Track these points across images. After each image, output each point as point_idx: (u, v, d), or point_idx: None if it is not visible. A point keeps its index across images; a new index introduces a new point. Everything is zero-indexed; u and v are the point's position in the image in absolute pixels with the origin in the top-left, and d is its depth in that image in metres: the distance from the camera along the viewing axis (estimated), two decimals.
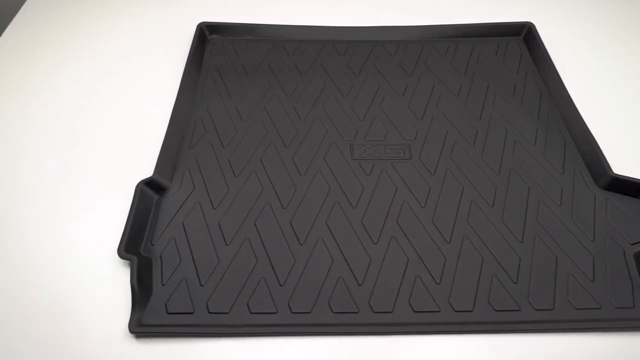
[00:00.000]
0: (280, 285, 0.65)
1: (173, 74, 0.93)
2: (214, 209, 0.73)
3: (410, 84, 0.91)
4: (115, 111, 0.88)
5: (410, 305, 0.64)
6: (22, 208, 0.74)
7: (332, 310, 0.63)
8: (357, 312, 0.63)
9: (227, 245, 0.69)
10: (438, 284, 0.66)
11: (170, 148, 0.79)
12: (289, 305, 0.64)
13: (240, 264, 0.67)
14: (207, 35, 1.01)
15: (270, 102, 0.88)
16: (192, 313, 0.63)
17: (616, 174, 0.75)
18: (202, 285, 0.65)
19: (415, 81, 0.92)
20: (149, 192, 0.74)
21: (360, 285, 0.65)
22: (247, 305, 0.64)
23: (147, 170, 0.77)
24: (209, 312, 0.63)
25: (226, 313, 0.63)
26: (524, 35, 1.02)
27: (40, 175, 0.78)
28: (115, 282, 0.66)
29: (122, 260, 0.68)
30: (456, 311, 0.63)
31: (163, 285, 0.65)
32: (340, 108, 0.87)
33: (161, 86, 0.91)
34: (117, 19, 1.07)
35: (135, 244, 0.68)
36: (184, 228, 0.71)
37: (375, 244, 0.69)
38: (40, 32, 1.04)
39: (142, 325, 0.62)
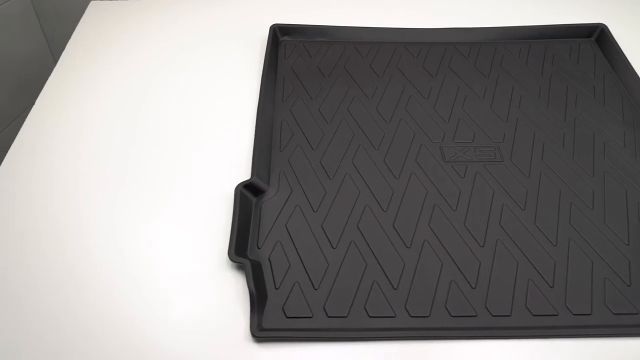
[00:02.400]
0: (394, 289, 0.66)
1: (251, 76, 0.94)
2: (315, 211, 0.74)
3: (489, 86, 0.93)
4: (199, 115, 0.88)
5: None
6: (120, 215, 0.74)
7: (450, 314, 0.64)
8: (475, 316, 0.64)
9: (333, 248, 0.70)
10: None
11: (263, 150, 0.80)
12: (406, 309, 0.64)
13: (350, 267, 0.68)
14: (280, 37, 1.02)
15: (353, 104, 0.89)
16: (310, 317, 0.64)
17: None
18: (315, 289, 0.66)
19: (494, 83, 0.93)
20: (248, 195, 0.75)
21: (473, 288, 0.66)
22: (365, 309, 0.64)
23: (236, 174, 0.78)
24: (328, 316, 0.64)
25: (345, 317, 0.64)
26: (596, 37, 1.03)
27: (135, 182, 0.79)
28: (225, 287, 0.67)
29: (229, 265, 0.68)
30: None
31: (277, 289, 0.66)
32: (423, 110, 0.88)
33: (241, 89, 0.92)
34: (186, 20, 1.08)
35: (242, 248, 0.69)
36: (288, 231, 0.72)
37: (482, 247, 0.70)
38: (108, 33, 1.05)
39: (264, 330, 0.62)
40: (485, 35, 1.03)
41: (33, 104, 0.90)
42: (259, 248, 0.70)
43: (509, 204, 0.75)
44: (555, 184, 0.78)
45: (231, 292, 0.66)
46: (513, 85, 0.93)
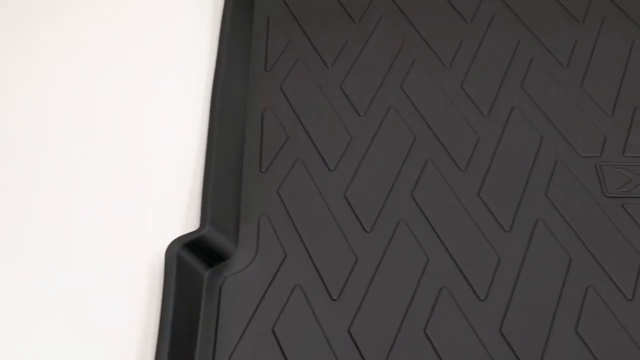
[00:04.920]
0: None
1: (202, 23, 0.62)
2: (334, 299, 0.42)
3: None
4: (99, 108, 0.56)
5: None
6: None
7: None
8: None
9: None
10: None
11: (225, 173, 0.50)
12: None
13: None
14: None
15: (412, 77, 0.55)
16: None
17: None
18: None
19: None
20: (194, 265, 0.44)
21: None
22: None
23: (171, 221, 0.49)
24: None
25: None
26: None
27: None
28: None
29: None
30: None
31: None
32: (560, 89, 0.55)
33: (182, 50, 0.60)
34: None
35: None
36: (278, 342, 0.41)
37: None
38: None
39: None
40: None
41: None
42: None
43: None
44: None
45: None
46: None
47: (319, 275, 0.44)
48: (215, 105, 0.53)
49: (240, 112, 0.55)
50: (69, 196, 0.50)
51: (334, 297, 0.43)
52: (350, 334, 0.41)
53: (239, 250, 0.46)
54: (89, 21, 0.64)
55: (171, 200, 0.50)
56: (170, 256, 0.42)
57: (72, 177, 0.51)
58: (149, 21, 0.64)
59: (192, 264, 0.44)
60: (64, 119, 0.56)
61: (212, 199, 0.46)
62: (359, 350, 0.40)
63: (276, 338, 0.41)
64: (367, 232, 0.46)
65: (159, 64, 0.60)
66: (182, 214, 0.48)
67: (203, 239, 0.44)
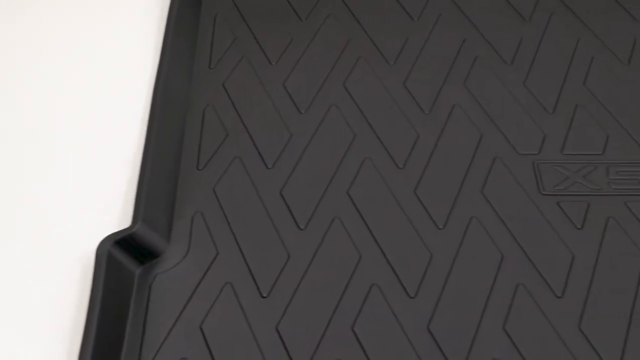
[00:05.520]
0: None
1: (147, 19, 0.62)
2: (264, 296, 0.42)
3: None
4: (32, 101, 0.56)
5: None
6: None
7: None
8: None
9: None
10: None
11: (160, 171, 0.49)
12: None
13: None
14: None
15: (356, 74, 0.55)
16: None
17: None
18: None
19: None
20: (125, 262, 0.44)
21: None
22: None
23: (104, 219, 0.48)
24: None
25: None
26: None
27: None
28: None
29: None
30: None
31: None
32: (502, 88, 0.54)
33: (126, 45, 0.60)
34: None
35: None
36: (205, 339, 0.41)
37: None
38: None
39: None
40: None
41: None
42: None
43: None
44: None
45: None
46: None
47: (250, 272, 0.43)
48: (156, 102, 0.52)
49: (181, 109, 0.54)
50: (3, 192, 0.49)
51: (264, 295, 0.42)
52: (278, 331, 0.40)
53: (171, 247, 0.45)
54: (31, 16, 0.63)
55: (109, 197, 0.49)
56: (100, 254, 0.42)
57: (7, 174, 0.50)
58: (96, 16, 0.64)
59: (123, 262, 0.43)
60: (1, 114, 0.55)
61: (146, 196, 0.46)
62: (286, 348, 0.39)
63: (204, 335, 0.41)
64: (301, 229, 0.45)
65: (103, 60, 0.60)
66: (119, 211, 0.48)
67: (134, 236, 0.44)
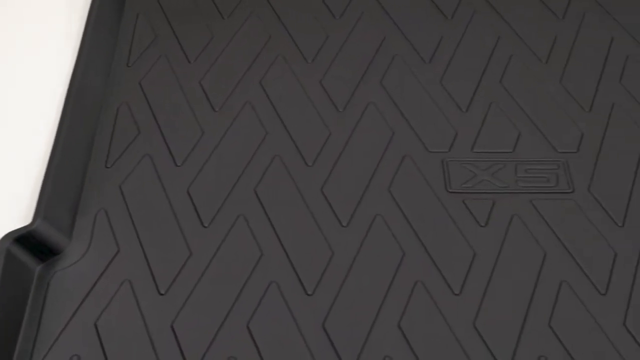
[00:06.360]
0: None
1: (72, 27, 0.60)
2: (162, 294, 0.42)
3: (561, 37, 0.58)
4: None
5: None
6: None
7: None
8: None
9: None
10: None
11: (66, 167, 0.49)
12: None
13: None
14: None
15: (272, 73, 0.55)
16: None
17: None
18: None
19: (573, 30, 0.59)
20: (24, 259, 0.43)
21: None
22: None
23: (20, 217, 0.47)
24: None
25: None
26: None
27: None
28: None
29: None
30: None
31: None
32: (417, 85, 0.54)
33: (48, 50, 0.58)
34: None
35: None
36: (99, 337, 0.40)
37: None
38: None
39: None
40: None
41: None
42: None
43: (581, 294, 0.41)
44: None
45: None
46: (612, 35, 0.58)
47: (150, 269, 0.43)
48: (69, 99, 0.52)
49: (96, 107, 0.54)
50: None
51: (162, 292, 0.42)
52: (173, 328, 0.40)
53: (72, 244, 0.45)
54: None
55: (17, 195, 0.49)
56: (0, 247, 0.42)
57: None
58: (15, 8, 0.63)
59: (23, 259, 0.43)
60: None
61: (49, 194, 0.46)
62: (179, 345, 0.39)
63: (98, 333, 0.41)
64: (204, 227, 0.45)
65: (20, 54, 0.59)
66: (25, 209, 0.47)
67: (33, 233, 0.43)
